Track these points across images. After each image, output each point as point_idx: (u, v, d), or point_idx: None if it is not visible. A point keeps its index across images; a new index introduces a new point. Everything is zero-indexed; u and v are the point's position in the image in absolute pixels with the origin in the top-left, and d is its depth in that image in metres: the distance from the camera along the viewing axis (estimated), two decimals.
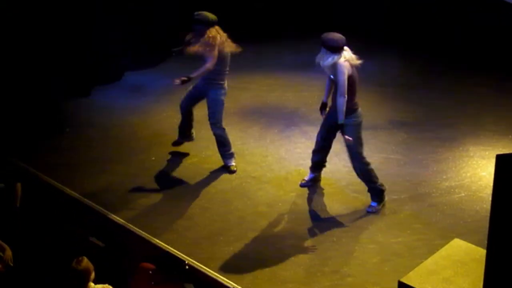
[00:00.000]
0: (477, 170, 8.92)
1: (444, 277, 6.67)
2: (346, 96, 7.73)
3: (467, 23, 12.35)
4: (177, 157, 9.32)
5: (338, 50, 7.73)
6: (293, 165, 9.10)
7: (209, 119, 8.84)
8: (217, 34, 8.47)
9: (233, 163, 9.01)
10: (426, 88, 11.14)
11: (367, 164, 8.15)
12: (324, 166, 8.63)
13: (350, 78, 7.77)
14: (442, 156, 9.24)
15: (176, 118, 9.29)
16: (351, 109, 7.86)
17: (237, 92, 9.54)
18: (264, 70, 11.79)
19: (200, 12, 8.54)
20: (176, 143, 9.37)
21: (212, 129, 8.86)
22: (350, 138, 7.89)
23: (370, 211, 8.17)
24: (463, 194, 8.45)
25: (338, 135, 8.17)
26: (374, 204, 8.22)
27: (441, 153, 9.32)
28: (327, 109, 8.25)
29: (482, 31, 12.14)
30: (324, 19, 12.42)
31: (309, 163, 8.61)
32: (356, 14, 13.28)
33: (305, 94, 10.14)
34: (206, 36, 8.44)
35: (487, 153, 9.23)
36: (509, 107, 10.43)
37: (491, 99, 10.70)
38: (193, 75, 8.56)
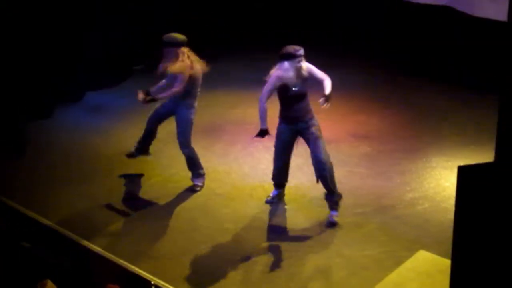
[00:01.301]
0: (440, 181, 8.96)
1: None
2: None
3: (428, 35, 12.47)
4: (141, 177, 9.27)
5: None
6: (257, 181, 9.08)
7: (178, 138, 8.77)
8: (186, 57, 8.44)
9: (199, 183, 8.95)
10: (388, 100, 11.21)
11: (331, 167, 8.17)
12: (287, 181, 8.62)
13: None
14: (405, 168, 9.28)
15: (138, 137, 9.22)
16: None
17: (199, 110, 9.40)
18: (225, 87, 11.79)
19: (169, 34, 8.48)
20: (131, 155, 9.21)
21: (181, 148, 8.80)
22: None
23: (333, 221, 8.13)
24: (427, 205, 8.49)
25: (296, 150, 8.29)
26: (334, 213, 8.18)
27: (404, 164, 9.36)
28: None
29: (443, 44, 12.26)
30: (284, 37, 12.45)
31: None
32: (316, 27, 13.35)
33: (267, 110, 10.11)
34: (176, 57, 8.41)
35: (449, 163, 9.28)
36: (470, 117, 10.53)
37: (452, 110, 10.79)
38: (160, 96, 8.53)
